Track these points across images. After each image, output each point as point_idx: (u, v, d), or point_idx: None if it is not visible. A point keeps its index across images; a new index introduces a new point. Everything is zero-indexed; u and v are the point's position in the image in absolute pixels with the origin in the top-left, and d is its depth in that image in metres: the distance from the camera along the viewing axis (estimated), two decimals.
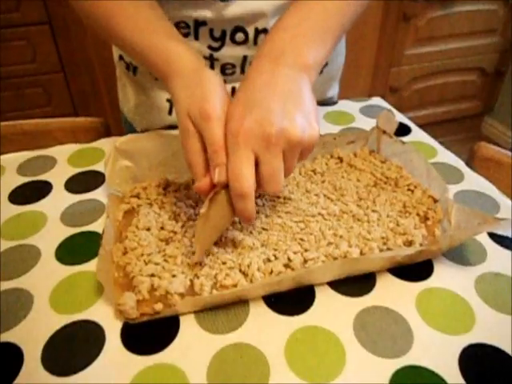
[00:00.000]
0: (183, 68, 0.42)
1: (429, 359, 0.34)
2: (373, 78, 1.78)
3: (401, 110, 0.70)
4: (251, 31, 0.55)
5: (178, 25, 0.54)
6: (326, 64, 0.67)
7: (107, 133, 0.72)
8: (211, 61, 0.58)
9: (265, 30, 0.55)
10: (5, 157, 0.57)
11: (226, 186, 0.38)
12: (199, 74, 0.41)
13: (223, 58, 0.57)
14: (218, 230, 0.40)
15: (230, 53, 0.57)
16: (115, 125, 1.18)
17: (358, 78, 1.77)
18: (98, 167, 0.56)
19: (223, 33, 0.55)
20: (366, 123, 0.65)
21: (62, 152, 0.58)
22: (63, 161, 0.57)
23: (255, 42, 0.56)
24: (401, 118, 0.66)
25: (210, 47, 0.56)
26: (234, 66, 0.58)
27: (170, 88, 0.43)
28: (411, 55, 1.74)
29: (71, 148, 0.59)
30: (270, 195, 0.37)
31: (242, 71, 0.59)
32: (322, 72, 0.67)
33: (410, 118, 0.67)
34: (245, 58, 0.58)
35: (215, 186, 0.38)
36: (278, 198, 0.48)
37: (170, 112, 0.63)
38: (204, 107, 0.38)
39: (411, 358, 0.34)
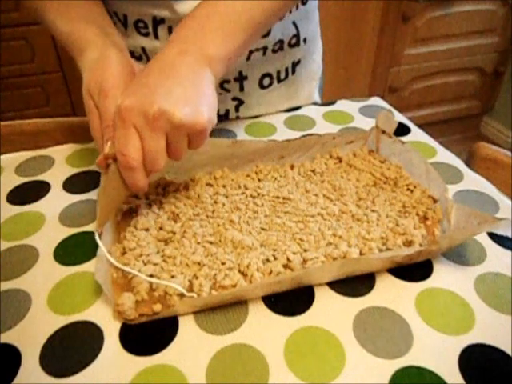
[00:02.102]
0: (89, 49, 0.44)
1: (429, 360, 0.34)
2: (372, 78, 1.78)
3: (400, 109, 0.70)
4: None
5: (137, 24, 0.55)
6: (299, 61, 0.67)
7: None
8: None
9: None
10: (3, 157, 0.57)
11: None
12: (102, 53, 0.43)
13: None
14: (115, 199, 0.42)
15: None
16: None
17: (357, 77, 1.77)
18: (97, 167, 0.55)
19: None
20: (365, 123, 0.64)
21: (60, 152, 0.58)
22: (61, 161, 0.57)
23: None
24: (400, 117, 0.66)
25: None
26: None
27: (79, 67, 0.45)
28: (410, 55, 1.74)
29: (69, 148, 0.59)
30: (147, 172, 0.39)
31: None
32: (294, 72, 0.67)
33: (410, 118, 0.67)
34: None
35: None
36: (278, 197, 0.48)
37: None
38: (102, 85, 0.40)
39: (411, 359, 0.34)
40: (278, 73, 0.65)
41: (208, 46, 0.41)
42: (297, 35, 0.63)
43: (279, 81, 0.66)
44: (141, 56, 0.60)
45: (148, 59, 0.59)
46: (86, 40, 0.45)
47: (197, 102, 0.38)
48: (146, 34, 0.56)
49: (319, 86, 0.75)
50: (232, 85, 0.63)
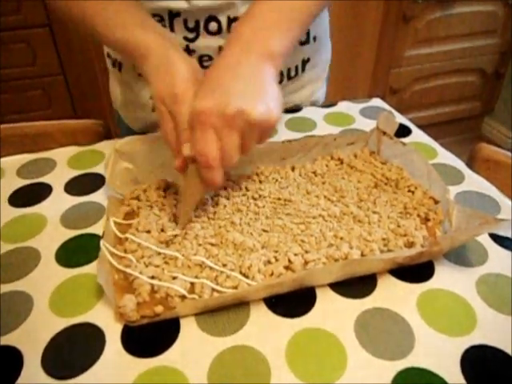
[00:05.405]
0: (152, 53, 0.45)
1: (430, 361, 0.34)
2: (373, 80, 1.78)
3: (401, 111, 0.70)
4: (224, 20, 0.56)
5: (153, 17, 0.56)
6: (309, 60, 0.67)
7: (107, 135, 0.72)
8: (188, 52, 0.59)
9: (237, 19, 0.56)
10: (5, 159, 0.57)
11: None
12: (167, 57, 0.44)
13: (199, 50, 0.58)
14: (196, 198, 0.44)
15: (205, 43, 0.58)
16: (115, 127, 1.19)
17: (358, 79, 1.78)
18: (98, 169, 0.55)
19: (197, 23, 0.56)
20: (366, 124, 0.65)
21: (61, 154, 0.58)
22: (63, 163, 0.57)
23: (229, 32, 0.57)
24: (401, 119, 0.66)
25: (185, 38, 0.58)
26: (210, 57, 0.59)
27: (143, 73, 0.46)
28: (411, 56, 1.74)
29: (71, 150, 0.59)
30: (224, 169, 0.41)
31: None
32: (304, 70, 0.67)
33: (410, 119, 0.67)
34: (220, 48, 0.58)
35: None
36: (279, 199, 0.48)
37: (154, 109, 0.63)
38: (173, 92, 0.41)
39: (413, 360, 0.34)
40: (289, 70, 0.65)
41: (268, 43, 0.43)
42: (307, 32, 0.63)
43: (289, 78, 0.66)
44: None
45: None
46: (146, 46, 0.45)
47: (267, 99, 0.40)
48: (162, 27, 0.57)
49: (325, 88, 0.75)
50: None
